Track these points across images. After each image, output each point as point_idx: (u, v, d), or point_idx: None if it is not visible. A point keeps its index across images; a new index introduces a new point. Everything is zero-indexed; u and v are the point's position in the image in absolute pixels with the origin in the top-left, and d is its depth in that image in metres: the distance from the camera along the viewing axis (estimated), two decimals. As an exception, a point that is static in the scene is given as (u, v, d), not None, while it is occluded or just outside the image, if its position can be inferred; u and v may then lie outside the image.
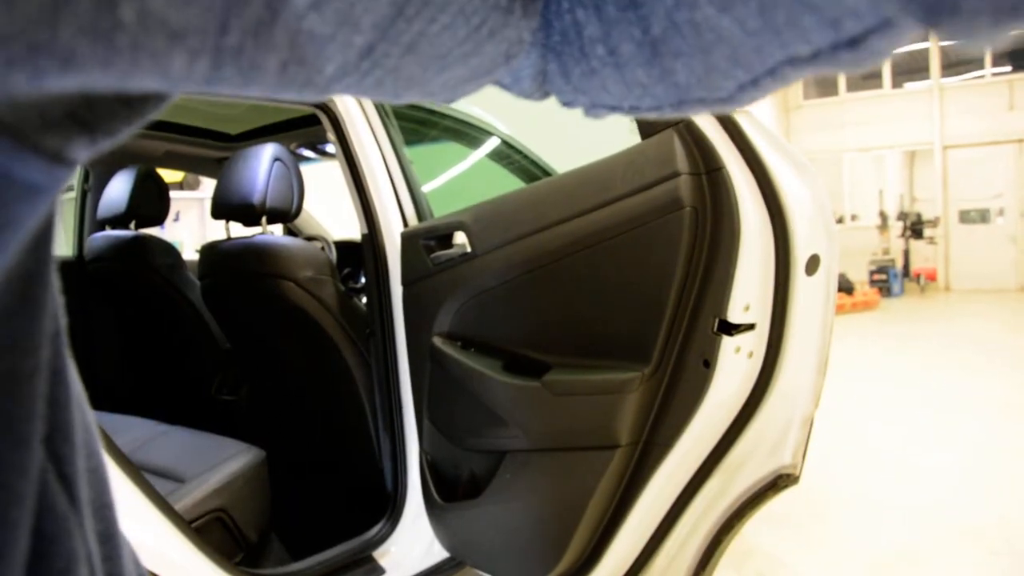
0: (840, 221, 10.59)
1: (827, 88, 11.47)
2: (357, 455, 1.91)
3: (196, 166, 2.82)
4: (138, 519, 1.15)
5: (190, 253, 2.51)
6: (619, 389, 1.28)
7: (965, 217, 10.31)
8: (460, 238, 1.59)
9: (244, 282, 1.86)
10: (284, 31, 0.19)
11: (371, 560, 1.68)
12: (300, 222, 2.83)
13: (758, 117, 1.23)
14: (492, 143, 2.29)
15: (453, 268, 1.57)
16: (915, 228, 10.28)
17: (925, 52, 10.59)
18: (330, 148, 2.38)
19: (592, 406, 1.33)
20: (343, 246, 2.53)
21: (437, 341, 1.60)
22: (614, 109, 0.27)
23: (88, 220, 2.45)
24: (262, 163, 1.74)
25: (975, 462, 3.19)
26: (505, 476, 1.49)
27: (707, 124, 1.21)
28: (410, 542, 1.74)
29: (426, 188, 1.90)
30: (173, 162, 2.69)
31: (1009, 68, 10.14)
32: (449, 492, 1.64)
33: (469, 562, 1.69)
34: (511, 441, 1.47)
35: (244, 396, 2.15)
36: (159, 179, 2.18)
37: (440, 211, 1.79)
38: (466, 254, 1.55)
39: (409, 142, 1.93)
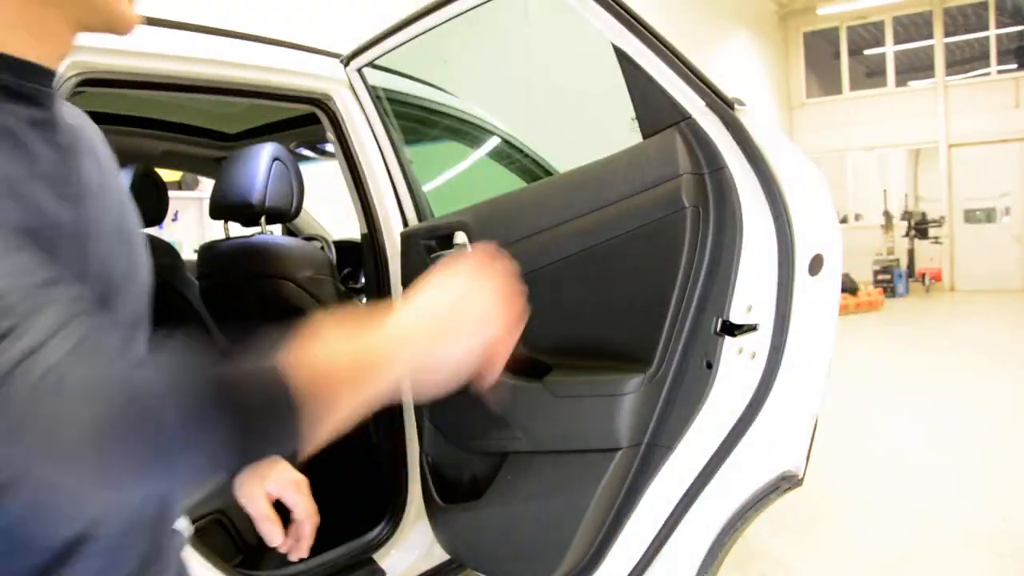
0: (844, 221, 10.55)
1: (831, 86, 11.43)
2: (357, 456, 1.90)
3: (194, 165, 2.81)
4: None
5: (189, 253, 2.50)
6: (621, 391, 1.27)
7: (970, 216, 10.26)
8: (461, 238, 1.58)
9: (243, 282, 1.85)
10: None
11: (371, 562, 1.68)
12: (299, 222, 2.82)
13: (761, 115, 1.21)
14: (493, 142, 2.28)
15: (453, 268, 1.56)
16: (920, 228, 10.23)
17: (929, 50, 10.55)
18: (330, 147, 2.37)
19: (593, 408, 1.32)
20: (343, 246, 2.52)
21: (437, 342, 1.59)
22: None
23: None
24: (261, 163, 1.73)
25: (979, 463, 3.17)
26: (506, 478, 1.48)
27: (710, 123, 1.19)
28: (411, 544, 1.73)
29: (426, 188, 1.89)
30: (171, 161, 2.69)
31: (1015, 65, 10.10)
32: (450, 494, 1.63)
33: (470, 564, 1.68)
34: (512, 443, 1.46)
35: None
36: (157, 178, 2.17)
37: (441, 211, 1.78)
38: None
39: (409, 141, 1.92)
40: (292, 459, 0.46)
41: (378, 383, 0.49)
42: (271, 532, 0.79)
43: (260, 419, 0.44)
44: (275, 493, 0.81)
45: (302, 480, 0.85)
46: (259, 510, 0.79)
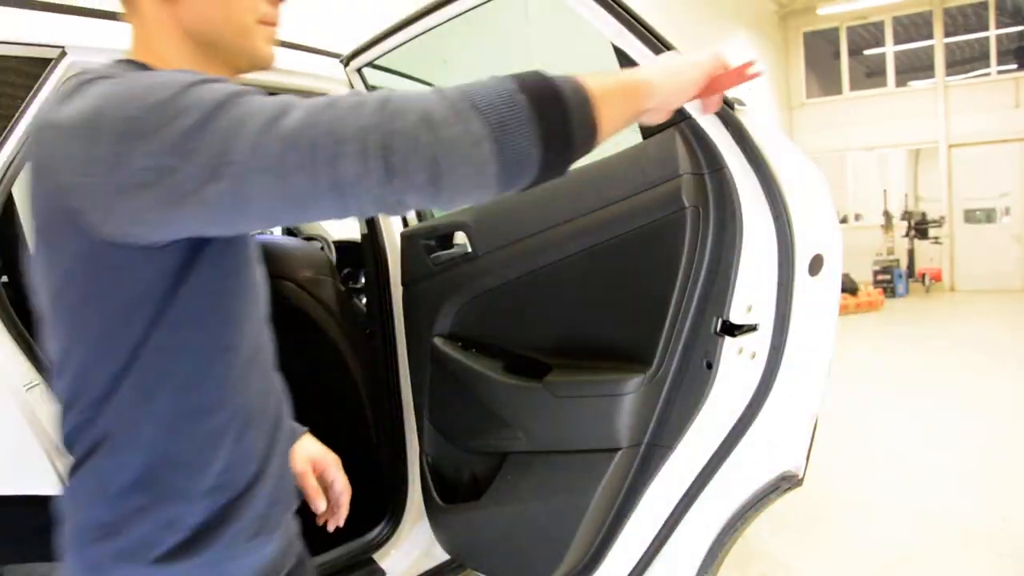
0: (844, 221, 10.55)
1: (831, 86, 11.43)
2: (357, 456, 1.90)
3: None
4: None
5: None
6: (621, 391, 1.27)
7: (970, 216, 10.25)
8: (461, 238, 1.59)
9: (244, 282, 1.85)
10: None
11: (371, 562, 1.68)
12: (301, 222, 2.81)
13: (761, 115, 1.21)
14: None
15: (454, 268, 1.56)
16: (920, 228, 10.22)
17: (929, 50, 10.55)
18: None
19: (593, 408, 1.32)
20: (343, 246, 2.52)
21: (438, 342, 1.59)
22: None
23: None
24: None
25: (979, 463, 3.17)
26: (506, 478, 1.48)
27: (709, 123, 1.19)
28: (411, 544, 1.73)
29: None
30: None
31: (1015, 66, 10.09)
32: (450, 494, 1.63)
33: (470, 564, 1.68)
34: (512, 443, 1.46)
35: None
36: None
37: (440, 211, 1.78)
38: (467, 254, 1.54)
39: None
40: (580, 156, 0.61)
41: (639, 103, 0.69)
42: (318, 501, 0.97)
43: (576, 114, 0.58)
44: (319, 468, 0.99)
45: (338, 459, 1.03)
46: (309, 484, 0.97)
